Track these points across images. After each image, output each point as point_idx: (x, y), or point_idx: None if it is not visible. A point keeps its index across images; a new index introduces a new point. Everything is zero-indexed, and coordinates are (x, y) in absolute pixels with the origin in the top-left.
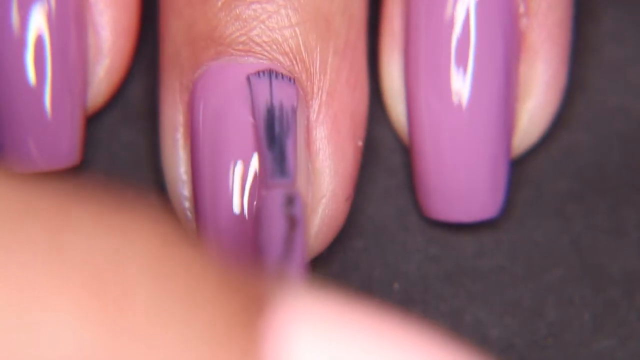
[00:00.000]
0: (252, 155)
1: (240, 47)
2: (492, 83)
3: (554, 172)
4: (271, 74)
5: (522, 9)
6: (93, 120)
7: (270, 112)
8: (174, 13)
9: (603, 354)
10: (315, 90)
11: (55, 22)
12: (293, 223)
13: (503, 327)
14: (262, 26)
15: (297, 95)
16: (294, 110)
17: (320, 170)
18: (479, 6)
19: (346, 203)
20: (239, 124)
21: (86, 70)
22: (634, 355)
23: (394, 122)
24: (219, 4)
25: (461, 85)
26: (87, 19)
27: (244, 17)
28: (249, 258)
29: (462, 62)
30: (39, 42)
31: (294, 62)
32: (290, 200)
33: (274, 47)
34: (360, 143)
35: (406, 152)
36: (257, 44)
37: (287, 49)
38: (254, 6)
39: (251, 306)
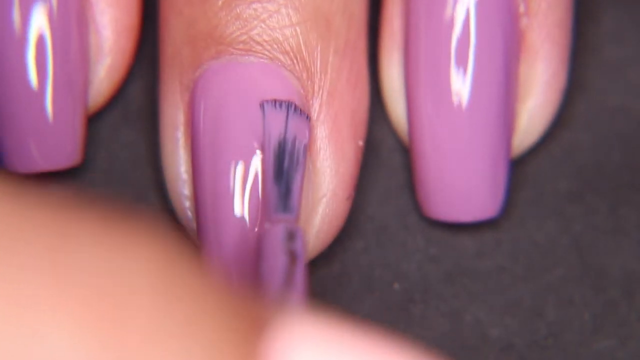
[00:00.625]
0: (253, 155)
1: (241, 46)
2: (492, 83)
3: (554, 172)
4: (289, 106)
5: (522, 9)
6: (93, 120)
7: (281, 146)
8: (174, 12)
9: (603, 354)
10: (316, 89)
11: (57, 22)
12: (293, 258)
13: (503, 327)
14: (263, 25)
15: (309, 133)
16: (306, 148)
17: (320, 170)
18: (479, 6)
19: (347, 202)
20: (239, 124)
21: (87, 69)
22: (634, 355)
23: (393, 122)
24: (220, 3)
25: (461, 85)
26: (89, 18)
27: (244, 16)
28: (250, 274)
29: (462, 62)
30: (40, 41)
31: (295, 61)
32: (292, 236)
33: (275, 46)
34: (361, 143)
35: (406, 152)
36: (258, 43)
37: (288, 48)
38: (254, 5)
39: (251, 328)
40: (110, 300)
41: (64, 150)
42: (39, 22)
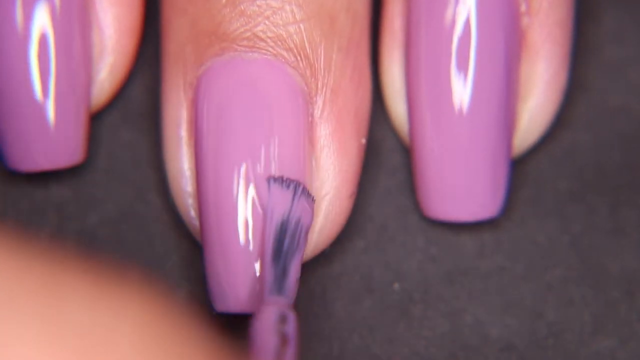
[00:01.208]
0: (257, 153)
1: (245, 43)
2: (493, 84)
3: (555, 172)
4: (297, 186)
5: (523, 8)
6: (93, 120)
7: (284, 226)
8: (177, 10)
9: (603, 354)
10: (320, 86)
11: (59, 20)
12: (284, 341)
13: (503, 327)
14: (267, 22)
15: (312, 218)
16: (307, 233)
17: (324, 167)
18: (480, 5)
19: (350, 200)
20: (243, 123)
21: (90, 68)
22: (634, 355)
23: (394, 121)
24: (223, 0)
25: (462, 85)
26: (92, 17)
27: (248, 13)
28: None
29: (463, 62)
30: (43, 40)
31: (298, 58)
32: (284, 319)
33: (279, 43)
34: (363, 141)
35: (406, 152)
36: (262, 40)
37: (292, 45)
38: (258, 2)
39: None
40: (99, 358)
41: (66, 149)
42: (42, 21)
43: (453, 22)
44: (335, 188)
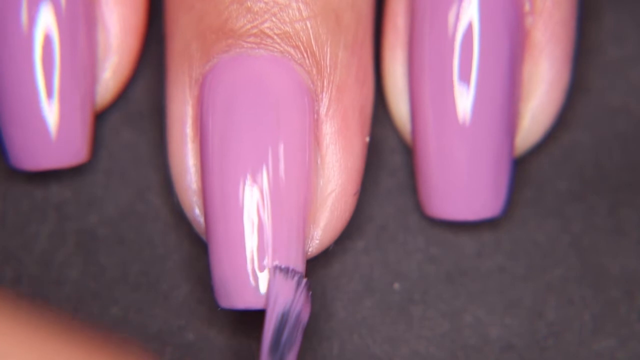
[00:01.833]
0: (263, 150)
1: (252, 39)
2: (497, 83)
3: (555, 172)
4: (300, 278)
5: (527, 7)
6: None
7: (284, 318)
8: (184, 7)
9: (603, 354)
10: (326, 84)
11: (65, 19)
12: None
13: (503, 327)
14: (274, 19)
15: (309, 314)
16: (303, 329)
17: (330, 165)
18: (485, 4)
19: (354, 197)
20: (250, 117)
21: (95, 67)
22: (634, 356)
23: (396, 120)
24: None
25: (466, 85)
26: (97, 16)
27: (255, 9)
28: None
29: (467, 62)
30: (48, 39)
31: (305, 55)
32: None
33: (286, 40)
34: (367, 139)
35: (406, 152)
36: (269, 37)
37: (298, 43)
38: None
39: None
40: None
41: (70, 148)
42: (47, 20)
43: (457, 21)
44: (340, 186)
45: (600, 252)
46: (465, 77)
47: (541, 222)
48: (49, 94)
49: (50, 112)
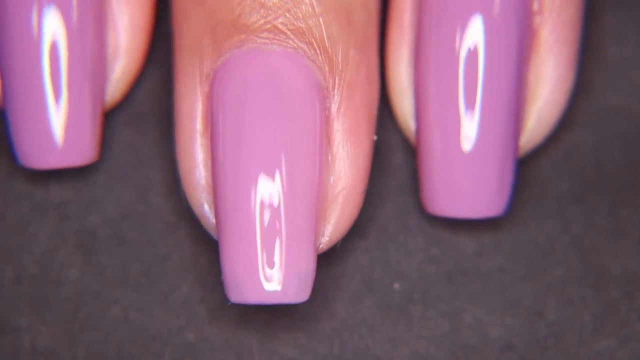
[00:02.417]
0: (277, 145)
1: (265, 35)
2: (505, 82)
3: (555, 172)
4: None
5: (536, 7)
6: None
7: None
8: (195, 2)
9: (603, 354)
10: (337, 82)
11: (75, 20)
12: None
13: (503, 327)
14: (287, 15)
15: None
16: None
17: (341, 162)
18: (495, 2)
19: (362, 195)
20: (263, 112)
21: (105, 67)
22: (634, 356)
23: (399, 117)
24: None
25: (474, 83)
26: (108, 17)
27: (268, 5)
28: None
29: (474, 60)
30: (57, 39)
31: (318, 52)
32: None
33: (299, 36)
34: (374, 137)
35: (406, 152)
36: (282, 32)
37: (312, 39)
38: None
39: None
40: None
41: (81, 147)
42: (56, 21)
43: (467, 19)
44: (351, 183)
45: (600, 253)
46: (472, 75)
47: (542, 222)
48: (58, 93)
49: (59, 112)
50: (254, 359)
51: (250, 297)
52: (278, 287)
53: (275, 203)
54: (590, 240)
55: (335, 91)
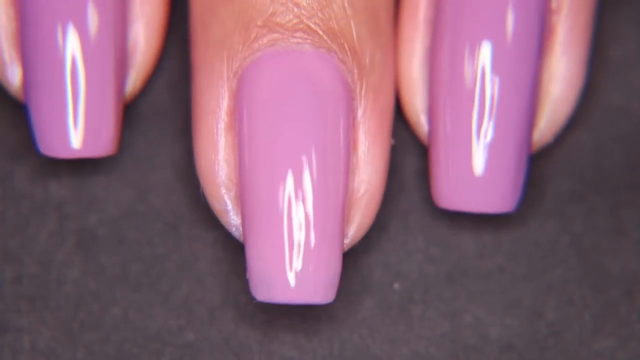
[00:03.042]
0: (309, 146)
1: (299, 34)
2: (522, 78)
3: (555, 172)
4: None
5: (554, 5)
6: None
7: None
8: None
9: (603, 354)
10: (365, 84)
11: (101, 11)
12: None
13: (503, 327)
14: (320, 15)
15: None
16: None
17: (365, 165)
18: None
19: (382, 198)
20: (296, 112)
21: (126, 65)
22: (634, 356)
23: (409, 114)
24: None
25: (493, 76)
26: (130, 12)
27: (302, 4)
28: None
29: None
30: (83, 32)
31: (349, 53)
32: None
33: (331, 37)
34: (393, 141)
35: (406, 152)
36: (315, 33)
37: (343, 40)
38: None
39: None
40: None
41: (102, 139)
42: (79, 14)
43: (487, 12)
44: (374, 186)
45: (600, 253)
46: (491, 68)
47: (542, 222)
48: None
49: (83, 101)
50: (253, 359)
51: (279, 296)
52: (306, 287)
53: (306, 204)
54: (590, 240)
55: (362, 94)
